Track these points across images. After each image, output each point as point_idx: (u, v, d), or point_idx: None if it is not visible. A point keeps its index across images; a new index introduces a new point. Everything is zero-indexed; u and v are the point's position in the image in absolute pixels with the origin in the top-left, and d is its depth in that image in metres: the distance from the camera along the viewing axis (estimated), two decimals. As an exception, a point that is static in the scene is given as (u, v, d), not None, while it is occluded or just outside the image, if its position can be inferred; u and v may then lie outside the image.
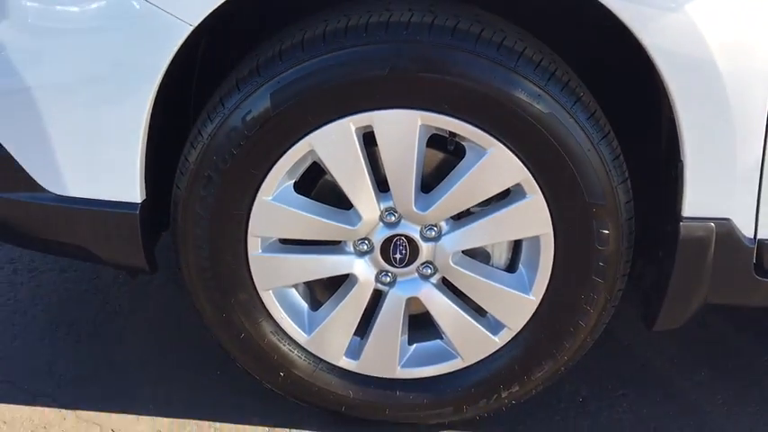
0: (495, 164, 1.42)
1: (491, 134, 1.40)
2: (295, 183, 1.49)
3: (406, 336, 1.60)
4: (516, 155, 1.41)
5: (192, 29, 1.32)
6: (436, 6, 1.41)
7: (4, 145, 1.46)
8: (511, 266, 1.57)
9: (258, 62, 1.39)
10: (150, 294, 2.08)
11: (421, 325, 1.61)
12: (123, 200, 1.46)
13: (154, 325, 1.97)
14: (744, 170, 1.39)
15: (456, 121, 1.39)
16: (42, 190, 1.48)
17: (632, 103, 1.62)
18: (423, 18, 1.36)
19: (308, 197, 1.51)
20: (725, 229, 1.44)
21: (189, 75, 1.60)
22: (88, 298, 2.07)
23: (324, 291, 1.61)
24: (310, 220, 1.48)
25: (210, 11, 1.31)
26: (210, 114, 1.42)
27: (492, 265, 1.57)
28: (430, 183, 1.49)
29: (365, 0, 1.41)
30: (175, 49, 1.33)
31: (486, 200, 1.49)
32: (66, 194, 1.48)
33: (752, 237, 1.46)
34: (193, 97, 1.64)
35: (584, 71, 1.49)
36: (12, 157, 1.47)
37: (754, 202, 1.42)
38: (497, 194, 1.48)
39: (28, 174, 1.48)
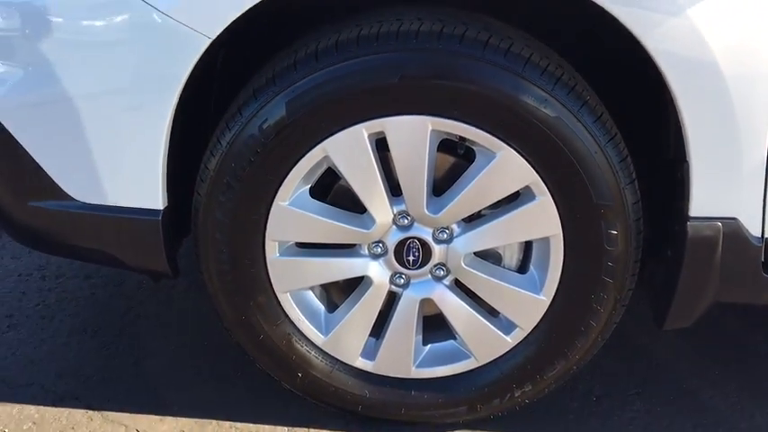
0: (504, 167, 1.46)
1: (500, 138, 1.43)
2: (311, 187, 1.54)
3: (421, 336, 1.64)
4: (525, 158, 1.45)
5: (210, 41, 1.37)
6: (445, 15, 1.45)
7: (33, 155, 1.52)
8: (522, 267, 1.61)
9: (274, 72, 1.45)
10: (173, 299, 2.14)
11: (435, 326, 1.65)
12: (146, 207, 1.52)
13: (176, 329, 2.03)
14: (749, 170, 1.41)
15: (465, 125, 1.43)
16: (69, 198, 1.54)
17: (642, 105, 1.65)
18: (432, 27, 1.41)
19: (323, 202, 1.56)
20: (732, 229, 1.46)
21: (210, 84, 1.66)
22: (113, 303, 2.13)
23: (340, 293, 1.66)
24: (325, 224, 1.53)
25: (227, 24, 1.36)
26: (229, 123, 1.48)
27: (503, 267, 1.61)
28: (442, 186, 1.53)
29: (376, 11, 1.46)
30: (195, 60, 1.39)
31: (497, 202, 1.53)
32: (92, 202, 1.54)
33: (759, 236, 1.48)
34: (214, 106, 1.69)
35: (593, 75, 1.53)
36: (40, 167, 1.53)
37: (760, 201, 1.45)
38: (508, 197, 1.52)
39: (55, 183, 1.54)
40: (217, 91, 1.68)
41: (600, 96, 1.52)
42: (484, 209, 1.54)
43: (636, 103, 1.63)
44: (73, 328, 2.04)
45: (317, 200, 1.54)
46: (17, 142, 1.51)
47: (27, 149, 1.51)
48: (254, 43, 1.62)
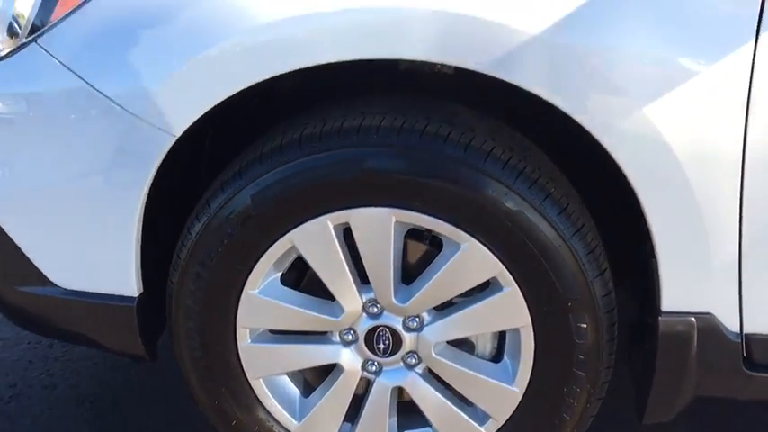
0: (469, 258, 1.45)
1: (463, 230, 1.43)
2: (284, 274, 1.56)
3: (395, 421, 1.62)
4: (490, 249, 1.44)
5: (175, 138, 1.41)
6: (410, 108, 1.46)
7: (17, 243, 1.58)
8: (497, 356, 1.58)
9: (240, 165, 1.48)
10: (170, 372, 2.16)
11: (412, 411, 1.63)
12: (121, 294, 1.56)
13: (170, 403, 2.05)
14: (721, 264, 1.37)
15: (428, 218, 1.43)
16: (52, 284, 1.60)
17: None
18: (393, 122, 1.42)
19: (297, 288, 1.57)
20: (707, 324, 1.41)
21: (198, 163, 1.70)
22: (112, 374, 2.18)
23: (315, 375, 1.66)
24: (295, 312, 1.54)
25: (190, 124, 1.40)
26: (198, 214, 1.51)
27: (477, 355, 1.59)
28: (413, 273, 1.53)
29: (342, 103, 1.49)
30: (162, 155, 1.43)
31: (469, 290, 1.51)
32: (73, 288, 1.59)
33: (737, 331, 1.42)
34: (205, 184, 1.73)
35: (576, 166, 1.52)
36: (24, 254, 1.59)
37: (735, 296, 1.40)
38: (479, 285, 1.50)
39: (39, 269, 1.59)
40: (207, 170, 1.72)
41: (583, 187, 1.50)
42: (456, 297, 1.53)
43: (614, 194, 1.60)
44: (72, 398, 2.08)
45: (291, 286, 1.56)
46: (3, 230, 1.58)
47: (12, 237, 1.58)
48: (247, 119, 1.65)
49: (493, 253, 1.44)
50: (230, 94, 1.37)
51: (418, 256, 1.54)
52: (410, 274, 1.53)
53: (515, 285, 1.45)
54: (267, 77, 1.34)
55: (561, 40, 1.27)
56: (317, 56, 1.31)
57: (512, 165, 1.41)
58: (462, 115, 1.50)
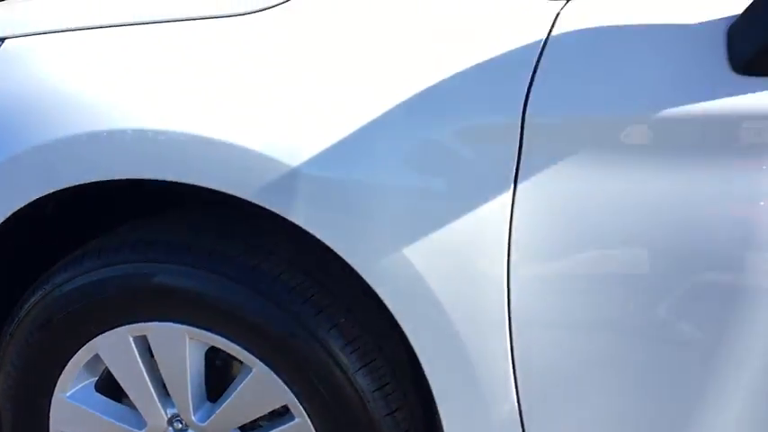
0: (259, 382, 1.39)
1: (251, 353, 1.38)
2: (104, 380, 1.55)
3: None
4: (278, 376, 1.38)
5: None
6: (212, 224, 1.45)
7: None
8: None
9: (50, 271, 1.50)
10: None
11: None
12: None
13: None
14: (502, 421, 1.25)
15: (219, 338, 1.40)
16: None
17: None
18: (184, 239, 1.41)
19: (113, 395, 1.55)
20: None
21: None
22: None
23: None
24: (102, 421, 1.52)
25: (4, 218, 1.42)
26: (13, 315, 1.54)
27: (287, 483, 1.51)
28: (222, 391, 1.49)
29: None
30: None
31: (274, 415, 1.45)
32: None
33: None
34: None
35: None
36: None
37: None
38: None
39: None
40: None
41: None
42: (262, 421, 1.47)
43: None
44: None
45: (103, 393, 1.55)
46: None
47: None
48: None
49: (282, 380, 1.38)
50: (25, 202, 1.39)
51: (226, 375, 1.50)
52: (220, 391, 1.49)
53: (306, 416, 1.39)
54: (41, 195, 1.36)
55: (319, 171, 1.22)
56: (71, 178, 1.33)
57: (299, 290, 1.35)
58: (271, 236, 1.45)
